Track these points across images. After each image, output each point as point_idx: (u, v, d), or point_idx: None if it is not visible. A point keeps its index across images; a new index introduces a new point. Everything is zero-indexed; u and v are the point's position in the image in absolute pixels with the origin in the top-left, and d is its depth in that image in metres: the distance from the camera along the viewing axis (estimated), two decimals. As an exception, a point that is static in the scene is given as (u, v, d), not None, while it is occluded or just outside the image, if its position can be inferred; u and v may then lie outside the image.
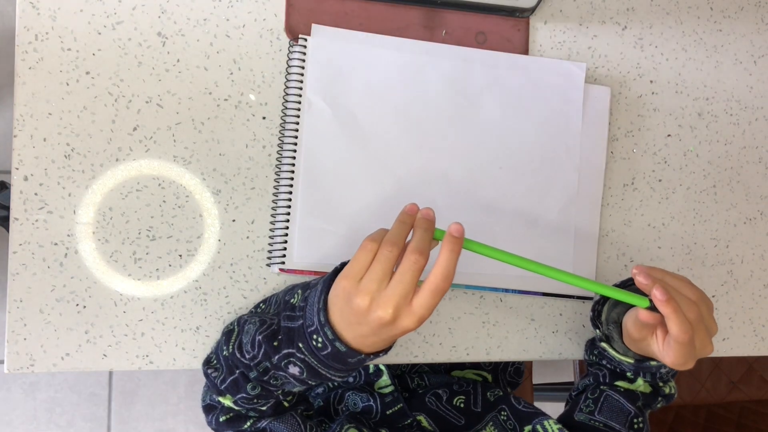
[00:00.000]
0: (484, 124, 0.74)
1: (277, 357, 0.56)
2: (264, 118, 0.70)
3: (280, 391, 0.61)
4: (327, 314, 0.53)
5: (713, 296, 0.82)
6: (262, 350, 0.57)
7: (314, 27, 0.70)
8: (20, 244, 0.65)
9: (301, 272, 0.69)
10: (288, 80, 0.70)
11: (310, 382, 0.57)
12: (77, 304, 0.66)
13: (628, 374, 0.69)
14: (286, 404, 0.64)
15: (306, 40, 0.70)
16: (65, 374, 1.46)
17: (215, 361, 0.64)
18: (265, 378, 0.58)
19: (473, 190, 0.73)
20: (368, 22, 0.72)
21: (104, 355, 0.67)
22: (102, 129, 0.67)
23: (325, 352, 0.53)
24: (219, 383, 0.61)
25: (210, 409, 0.64)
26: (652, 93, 0.80)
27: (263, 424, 0.62)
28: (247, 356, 0.58)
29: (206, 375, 0.64)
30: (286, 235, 0.69)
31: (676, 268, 0.81)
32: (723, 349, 0.81)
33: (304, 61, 0.70)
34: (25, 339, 0.65)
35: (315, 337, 0.53)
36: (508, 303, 0.75)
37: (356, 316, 0.51)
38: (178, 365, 0.68)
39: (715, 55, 0.82)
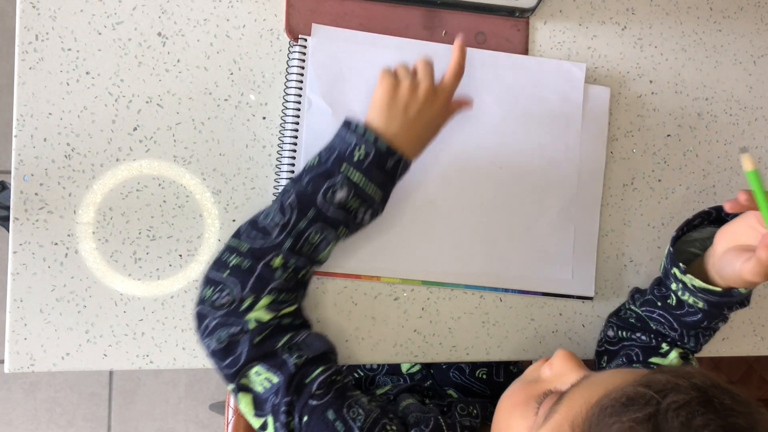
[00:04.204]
0: (484, 124, 0.74)
1: (320, 195, 0.61)
2: (264, 118, 0.70)
3: (309, 268, 0.63)
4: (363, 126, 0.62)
5: (713, 296, 0.82)
6: (296, 209, 0.60)
7: (314, 27, 0.70)
8: (20, 244, 0.65)
9: (301, 272, 0.69)
10: (288, 80, 0.70)
11: (354, 208, 0.62)
12: (77, 304, 0.66)
13: (663, 346, 0.69)
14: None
15: (306, 40, 0.70)
16: (65, 374, 1.46)
17: (214, 287, 0.60)
18: (299, 244, 0.60)
19: (473, 190, 0.73)
20: (368, 22, 0.72)
21: (104, 355, 0.67)
22: (102, 129, 0.67)
23: (367, 161, 0.61)
24: (241, 290, 0.59)
25: (231, 347, 0.58)
26: (652, 93, 0.80)
27: (300, 338, 0.60)
28: (276, 229, 0.60)
29: (209, 308, 0.59)
30: (286, 235, 0.69)
31: (675, 268, 0.80)
32: (723, 349, 0.81)
33: (304, 61, 0.70)
34: (25, 339, 0.65)
35: (356, 149, 0.61)
36: (508, 303, 0.75)
37: (404, 99, 0.62)
38: (179, 365, 0.68)
39: (714, 55, 0.82)
